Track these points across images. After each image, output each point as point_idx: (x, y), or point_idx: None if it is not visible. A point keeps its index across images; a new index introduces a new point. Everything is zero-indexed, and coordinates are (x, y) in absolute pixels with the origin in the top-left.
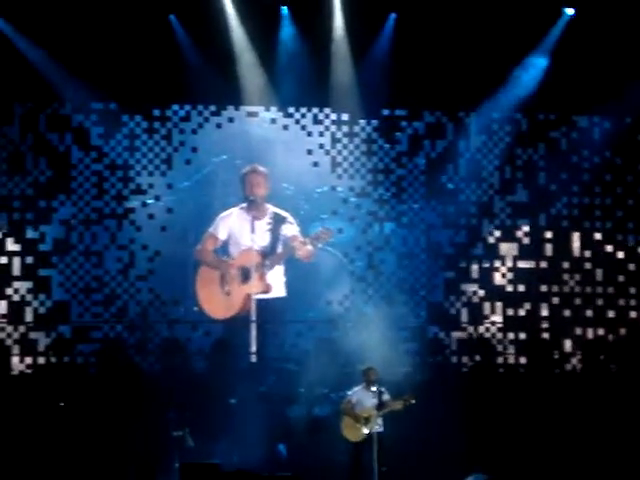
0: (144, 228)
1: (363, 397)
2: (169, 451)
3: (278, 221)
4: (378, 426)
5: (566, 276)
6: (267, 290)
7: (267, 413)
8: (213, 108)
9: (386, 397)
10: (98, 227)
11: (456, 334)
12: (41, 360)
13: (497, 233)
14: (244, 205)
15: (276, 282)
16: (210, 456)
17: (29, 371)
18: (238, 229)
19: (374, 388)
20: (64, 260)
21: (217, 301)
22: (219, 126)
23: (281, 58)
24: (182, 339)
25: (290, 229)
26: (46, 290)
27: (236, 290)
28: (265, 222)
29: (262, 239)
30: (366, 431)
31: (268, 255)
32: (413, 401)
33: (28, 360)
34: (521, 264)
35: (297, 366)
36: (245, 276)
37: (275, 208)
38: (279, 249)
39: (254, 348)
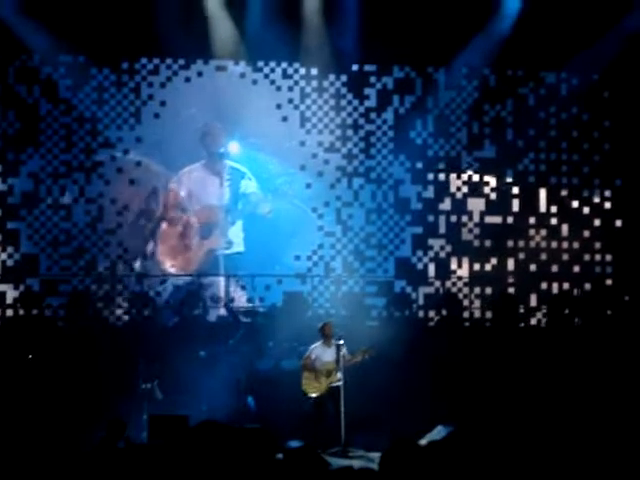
0: (113, 182)
1: (322, 352)
2: (138, 403)
3: (237, 177)
4: (339, 379)
5: (532, 231)
6: (228, 246)
7: (236, 366)
8: (182, 62)
9: (344, 351)
10: (66, 180)
11: (423, 289)
12: (9, 312)
13: (465, 188)
14: (204, 161)
15: (236, 237)
16: (179, 408)
17: None
18: (199, 185)
19: (332, 342)
20: (32, 213)
21: (178, 256)
22: (188, 80)
23: (251, 12)
24: (151, 292)
25: (249, 185)
26: (14, 243)
27: (197, 245)
28: (225, 178)
29: (222, 195)
30: (326, 384)
31: (229, 211)
32: (372, 353)
33: None
34: (488, 219)
35: (265, 320)
36: (207, 232)
37: (234, 163)
38: (239, 205)
39: (222, 302)
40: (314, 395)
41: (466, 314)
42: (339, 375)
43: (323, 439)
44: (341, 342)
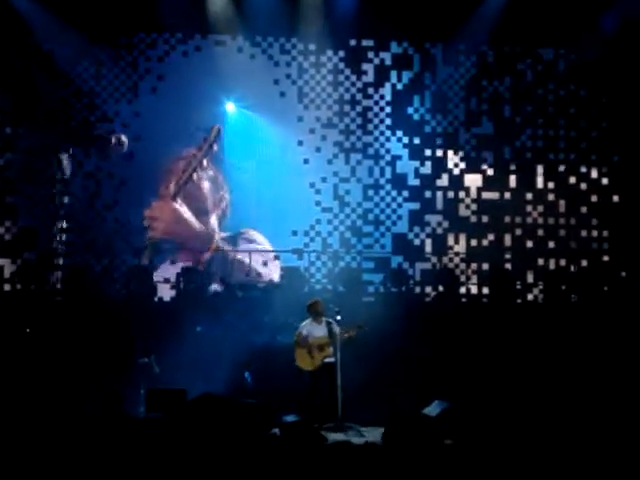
0: (112, 157)
1: (313, 329)
2: (135, 378)
3: (330, 324)
4: (332, 355)
5: (529, 207)
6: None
7: (232, 341)
8: (180, 36)
9: (335, 328)
10: (65, 155)
11: (420, 265)
12: (7, 287)
13: (462, 164)
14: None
15: None
16: (176, 383)
17: None
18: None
19: (323, 319)
20: (30, 187)
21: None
22: (185, 54)
23: None
24: (148, 267)
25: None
26: (12, 217)
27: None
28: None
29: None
30: (320, 358)
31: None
32: (366, 328)
33: None
34: (485, 195)
35: (262, 294)
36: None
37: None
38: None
39: (220, 276)
40: (309, 370)
41: (463, 290)
42: (332, 349)
43: (319, 414)
44: (338, 318)
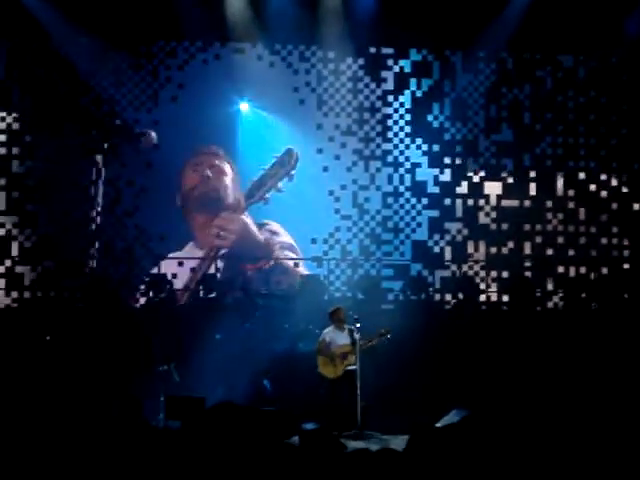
0: (130, 164)
1: (335, 336)
2: (155, 385)
3: (352, 331)
4: (354, 363)
5: (549, 215)
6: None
7: (252, 348)
8: (199, 44)
9: (357, 336)
10: (84, 162)
11: (440, 272)
12: (27, 294)
13: (482, 172)
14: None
15: None
16: (195, 390)
17: (15, 305)
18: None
19: (345, 327)
20: (50, 195)
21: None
22: (205, 62)
23: None
24: (168, 275)
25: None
26: (32, 225)
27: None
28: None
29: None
30: (342, 367)
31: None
32: (389, 335)
33: (14, 294)
34: (505, 203)
35: (282, 302)
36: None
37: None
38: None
39: (240, 284)
40: (331, 378)
41: (482, 298)
42: (354, 357)
43: (339, 422)
44: (357, 325)
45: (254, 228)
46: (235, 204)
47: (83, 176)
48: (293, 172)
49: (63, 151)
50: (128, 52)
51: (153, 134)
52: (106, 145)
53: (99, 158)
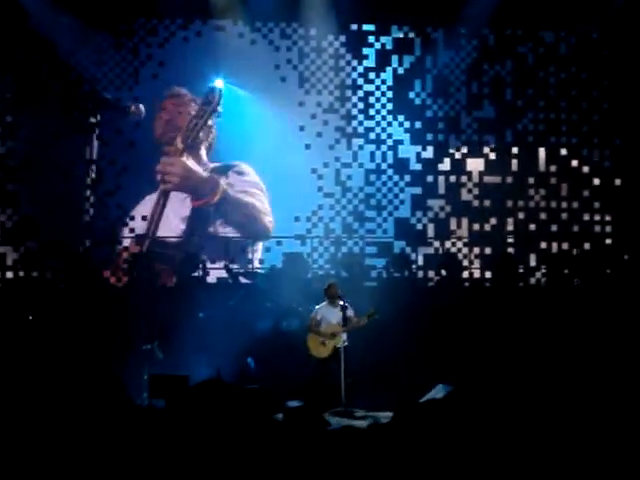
0: (111, 143)
1: (327, 313)
2: (138, 364)
3: (345, 308)
4: (343, 341)
5: (532, 191)
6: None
7: (235, 327)
8: (180, 22)
9: (350, 312)
10: (66, 142)
11: (422, 249)
12: (9, 274)
13: (464, 149)
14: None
15: None
16: (179, 369)
17: None
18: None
19: (338, 303)
20: (32, 175)
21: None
22: (186, 40)
23: None
24: (151, 254)
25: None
26: (14, 205)
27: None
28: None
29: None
30: (331, 346)
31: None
32: (377, 316)
33: None
34: (487, 179)
35: (265, 281)
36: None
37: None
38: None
39: (222, 263)
40: (319, 356)
41: (466, 274)
42: (344, 337)
43: (324, 399)
44: (347, 303)
45: (196, 167)
46: (173, 148)
47: (65, 155)
48: (219, 108)
49: (44, 131)
50: (108, 31)
51: (141, 106)
52: (95, 120)
53: (95, 136)
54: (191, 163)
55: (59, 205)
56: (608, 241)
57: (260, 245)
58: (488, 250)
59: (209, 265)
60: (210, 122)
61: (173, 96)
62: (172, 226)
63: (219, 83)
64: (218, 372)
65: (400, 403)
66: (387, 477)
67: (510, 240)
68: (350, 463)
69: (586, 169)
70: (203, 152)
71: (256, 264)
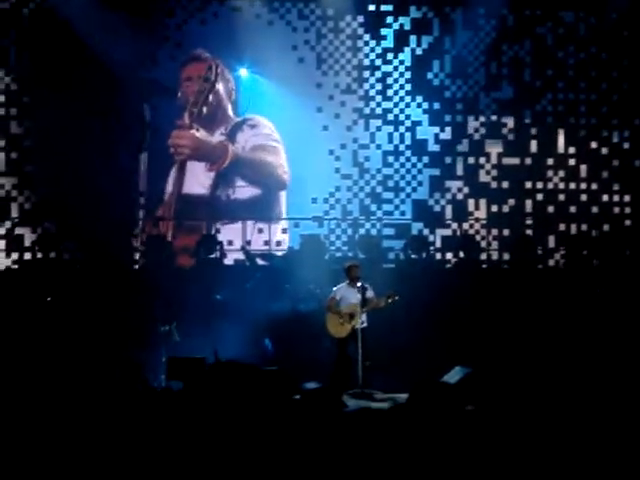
0: (130, 126)
1: (347, 293)
2: (156, 346)
3: (365, 289)
4: (362, 322)
5: (550, 172)
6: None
7: (253, 309)
8: (197, 4)
9: (370, 294)
10: (84, 123)
11: (440, 231)
12: (27, 256)
13: (482, 130)
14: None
15: None
16: (196, 351)
17: (15, 267)
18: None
19: (358, 284)
20: (49, 156)
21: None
22: (203, 22)
23: None
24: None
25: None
26: (32, 186)
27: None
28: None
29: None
30: (350, 327)
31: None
32: (397, 298)
33: (14, 256)
34: (506, 161)
35: (282, 263)
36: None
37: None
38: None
39: (240, 244)
40: (338, 336)
41: (484, 256)
42: (363, 318)
43: (342, 381)
44: (367, 284)
45: (205, 136)
46: (181, 122)
47: (84, 136)
48: (217, 85)
49: (63, 111)
50: (125, 11)
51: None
52: (146, 105)
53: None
54: (200, 134)
55: (77, 187)
56: (627, 222)
57: (279, 227)
58: (506, 232)
59: (226, 247)
60: (211, 97)
61: (188, 61)
62: (194, 191)
63: (243, 72)
64: (215, 353)
65: (416, 384)
66: (404, 458)
67: (528, 222)
68: (367, 444)
69: (605, 150)
70: (227, 111)
71: (273, 246)
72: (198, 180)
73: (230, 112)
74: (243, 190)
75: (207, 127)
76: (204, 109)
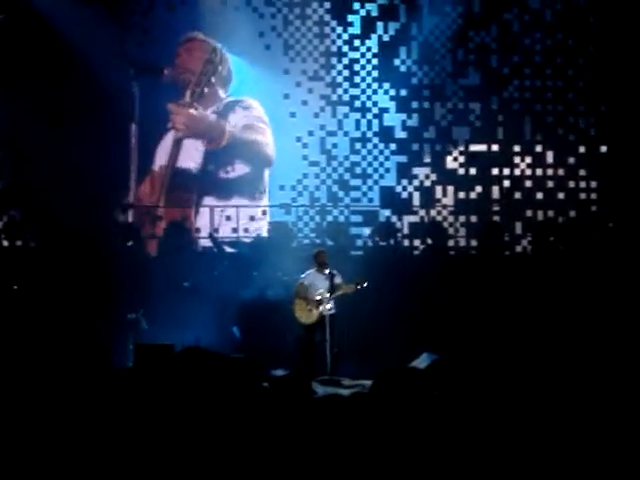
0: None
1: (315, 280)
2: (123, 333)
3: (333, 275)
4: (330, 308)
5: (517, 159)
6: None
7: (220, 296)
8: None
9: (338, 280)
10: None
11: (408, 218)
12: None
13: (449, 117)
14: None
15: None
16: (164, 338)
17: None
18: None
19: (326, 271)
20: (16, 144)
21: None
22: (171, 9)
23: None
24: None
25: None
26: None
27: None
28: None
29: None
30: (317, 313)
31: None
32: (365, 285)
33: None
34: (473, 147)
35: (250, 250)
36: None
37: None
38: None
39: (207, 232)
40: (306, 322)
41: (451, 243)
42: (331, 304)
43: (310, 367)
44: (335, 271)
45: (203, 115)
46: (182, 102)
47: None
48: (220, 68)
49: (31, 99)
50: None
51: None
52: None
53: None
54: (198, 112)
55: (48, 174)
56: (593, 208)
57: (245, 213)
58: (474, 218)
59: (195, 234)
60: (213, 79)
61: (187, 41)
62: (186, 166)
63: None
64: (197, 340)
65: (382, 370)
66: (374, 444)
67: (496, 208)
68: (336, 431)
69: (572, 136)
70: (220, 91)
71: (241, 233)
72: (190, 156)
73: (221, 91)
74: (236, 168)
75: (202, 105)
76: (205, 90)
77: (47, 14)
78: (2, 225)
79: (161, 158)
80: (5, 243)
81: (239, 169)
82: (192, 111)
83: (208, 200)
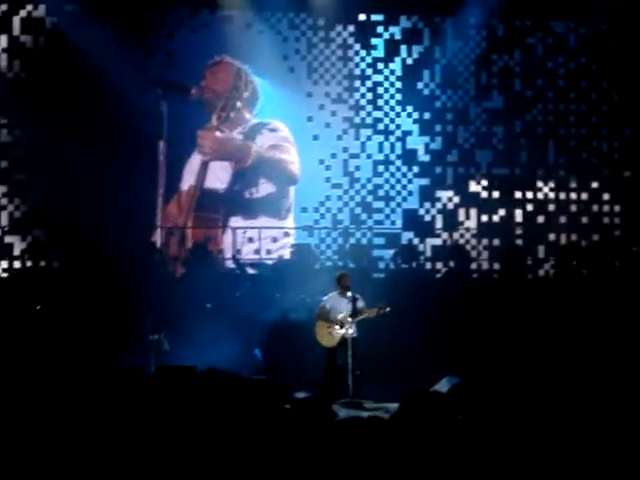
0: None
1: (337, 303)
2: (145, 355)
3: (356, 299)
4: (352, 331)
5: (540, 183)
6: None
7: (243, 318)
8: (188, 13)
9: (361, 304)
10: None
11: (431, 240)
12: (17, 264)
13: (472, 140)
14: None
15: None
16: (186, 360)
17: (5, 275)
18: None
19: (349, 294)
20: (39, 165)
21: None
22: (194, 30)
23: None
24: (159, 244)
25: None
26: (21, 194)
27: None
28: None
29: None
30: (339, 336)
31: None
32: (387, 310)
33: (4, 264)
34: (496, 170)
35: (273, 272)
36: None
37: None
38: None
39: (230, 253)
40: (327, 345)
41: (474, 266)
42: (353, 327)
43: (331, 390)
44: (357, 294)
45: (229, 138)
46: (209, 125)
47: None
48: (246, 94)
49: (60, 121)
50: (116, 21)
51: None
52: (163, 103)
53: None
54: (224, 135)
55: (65, 196)
56: (617, 232)
57: (267, 234)
58: (496, 241)
59: (218, 255)
60: (239, 103)
61: (213, 64)
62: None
63: None
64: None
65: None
66: (396, 467)
67: (518, 232)
68: (358, 454)
69: (595, 160)
70: (246, 113)
71: (263, 254)
72: (217, 176)
73: (247, 113)
74: (261, 187)
75: (229, 127)
76: (232, 114)
77: (73, 38)
78: (26, 245)
79: (189, 178)
80: (29, 263)
81: (265, 188)
82: (218, 134)
83: (234, 220)
